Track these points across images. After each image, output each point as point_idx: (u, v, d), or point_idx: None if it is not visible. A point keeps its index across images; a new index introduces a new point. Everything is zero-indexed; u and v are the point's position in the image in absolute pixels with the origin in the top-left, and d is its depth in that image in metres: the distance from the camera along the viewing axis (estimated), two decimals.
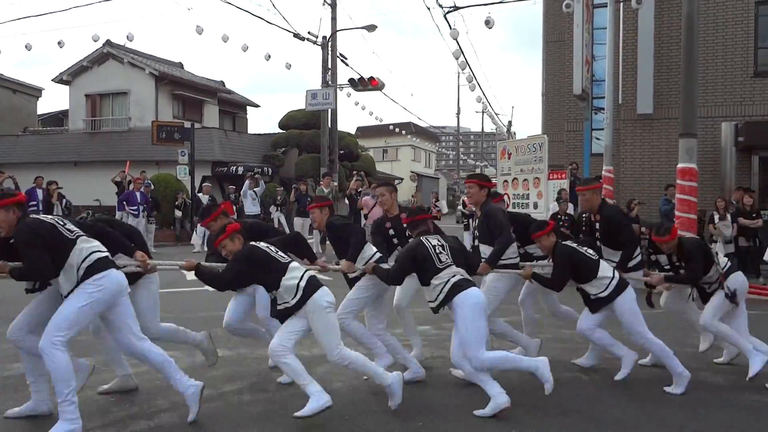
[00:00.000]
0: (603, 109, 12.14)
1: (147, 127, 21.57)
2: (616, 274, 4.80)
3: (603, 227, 5.27)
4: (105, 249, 3.83)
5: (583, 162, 13.33)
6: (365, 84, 20.26)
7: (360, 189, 13.72)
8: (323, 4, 21.06)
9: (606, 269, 4.79)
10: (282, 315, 4.05)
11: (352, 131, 33.21)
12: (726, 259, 5.36)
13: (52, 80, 27.27)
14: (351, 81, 20.54)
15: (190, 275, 4.36)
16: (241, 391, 4.54)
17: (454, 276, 4.23)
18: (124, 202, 14.43)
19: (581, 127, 14.33)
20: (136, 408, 4.11)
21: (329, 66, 20.95)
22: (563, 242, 4.94)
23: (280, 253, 4.14)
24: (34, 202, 13.31)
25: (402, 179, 37.95)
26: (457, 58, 19.42)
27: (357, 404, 4.29)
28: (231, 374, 4.87)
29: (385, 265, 4.68)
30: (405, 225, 4.95)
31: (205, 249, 9.30)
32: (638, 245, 5.37)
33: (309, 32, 20.72)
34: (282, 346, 3.93)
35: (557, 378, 4.92)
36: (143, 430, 3.79)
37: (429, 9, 71.93)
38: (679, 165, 9.98)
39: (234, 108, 31.41)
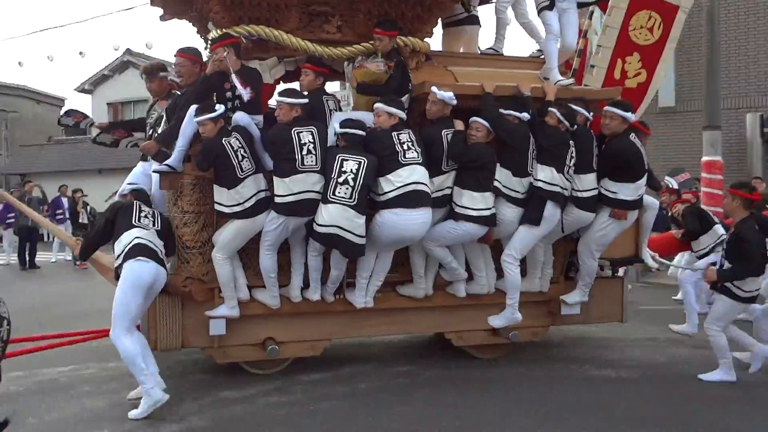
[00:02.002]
0: None
1: None
2: None
3: None
4: None
5: None
6: None
7: None
8: None
9: None
10: None
11: None
12: None
13: (75, 90, 27.79)
14: None
15: None
16: (267, 392, 4.56)
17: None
18: None
19: None
20: (164, 411, 4.14)
21: None
22: None
23: None
24: (61, 210, 13.60)
25: None
26: None
27: (381, 405, 4.28)
28: (256, 376, 4.88)
29: None
30: None
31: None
32: None
33: None
34: None
35: (566, 376, 4.89)
36: None
37: None
38: (704, 158, 9.83)
39: None
